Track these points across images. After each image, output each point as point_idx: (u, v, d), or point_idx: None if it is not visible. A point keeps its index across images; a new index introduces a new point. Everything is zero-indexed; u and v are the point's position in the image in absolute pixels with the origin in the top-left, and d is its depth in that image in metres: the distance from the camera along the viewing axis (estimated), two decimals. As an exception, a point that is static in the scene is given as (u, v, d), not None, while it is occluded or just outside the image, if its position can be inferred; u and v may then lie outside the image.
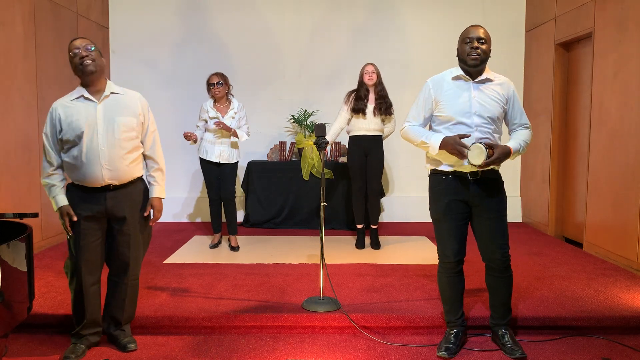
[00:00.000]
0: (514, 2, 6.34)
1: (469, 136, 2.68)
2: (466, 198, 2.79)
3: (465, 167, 2.73)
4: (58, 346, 2.95)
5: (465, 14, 6.26)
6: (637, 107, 4.19)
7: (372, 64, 4.82)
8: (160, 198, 2.96)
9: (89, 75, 2.70)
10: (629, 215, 4.25)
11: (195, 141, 4.63)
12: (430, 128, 2.89)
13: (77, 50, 2.69)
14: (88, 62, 2.67)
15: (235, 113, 4.71)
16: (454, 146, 2.65)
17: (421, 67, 6.29)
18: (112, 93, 2.79)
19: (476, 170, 2.72)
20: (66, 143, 2.72)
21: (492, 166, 2.73)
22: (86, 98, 2.74)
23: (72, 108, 2.73)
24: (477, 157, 2.61)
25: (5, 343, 2.63)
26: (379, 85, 4.80)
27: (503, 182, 2.89)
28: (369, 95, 4.79)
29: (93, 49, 2.72)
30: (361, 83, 4.81)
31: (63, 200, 2.75)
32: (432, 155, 2.82)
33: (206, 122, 4.69)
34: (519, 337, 3.06)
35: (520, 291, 3.58)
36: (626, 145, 4.32)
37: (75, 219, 2.74)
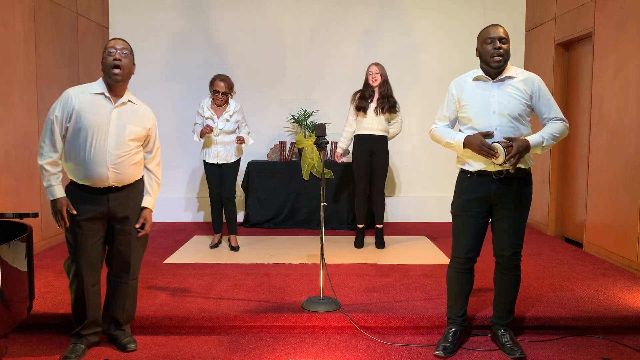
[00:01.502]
0: (514, 2, 6.34)
1: (492, 134, 2.68)
2: (488, 196, 2.78)
3: (489, 167, 2.73)
4: (58, 346, 2.95)
5: (466, 14, 6.27)
6: (637, 107, 4.19)
7: (376, 64, 4.82)
8: (151, 210, 2.98)
9: (114, 82, 2.74)
10: (629, 215, 4.25)
11: (211, 130, 4.59)
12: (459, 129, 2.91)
13: (112, 50, 2.72)
14: (117, 71, 2.70)
15: (231, 115, 4.68)
16: (480, 147, 2.64)
17: (421, 66, 6.29)
18: (129, 101, 2.83)
19: (501, 169, 2.70)
20: (73, 133, 2.69)
21: (520, 164, 2.69)
22: (107, 97, 2.76)
23: (89, 101, 2.73)
24: (499, 156, 2.61)
25: (5, 343, 2.63)
26: (384, 85, 4.80)
27: (531, 182, 2.84)
28: (374, 95, 4.80)
29: (127, 55, 2.75)
30: (366, 84, 4.83)
31: (61, 192, 2.72)
32: (461, 156, 2.83)
33: (203, 119, 4.70)
34: (519, 337, 3.06)
35: (520, 291, 3.56)
36: (626, 145, 4.32)
37: (74, 212, 2.73)
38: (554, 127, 2.73)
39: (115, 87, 2.77)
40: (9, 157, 4.36)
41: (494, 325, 2.98)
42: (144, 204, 2.95)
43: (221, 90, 4.60)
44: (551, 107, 2.77)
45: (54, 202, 2.72)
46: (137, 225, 2.91)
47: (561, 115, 2.78)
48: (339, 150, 5.03)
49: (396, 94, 4.95)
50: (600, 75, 4.71)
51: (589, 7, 4.91)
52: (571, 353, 2.90)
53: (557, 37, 5.50)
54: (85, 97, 2.74)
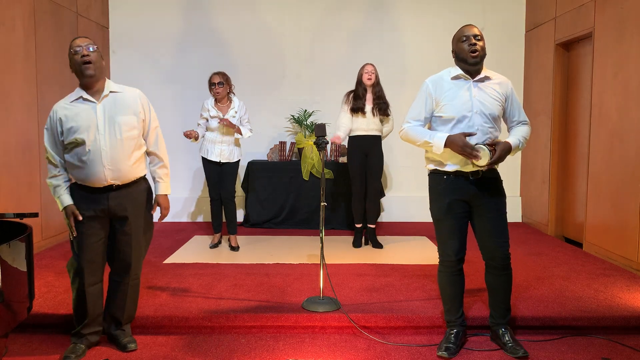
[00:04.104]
0: (514, 2, 6.34)
1: (474, 134, 2.69)
2: (466, 197, 2.79)
3: (467, 167, 2.73)
4: (58, 346, 2.95)
5: (465, 14, 6.26)
6: (637, 107, 4.19)
7: (371, 64, 4.83)
8: (166, 195, 3.00)
9: (88, 78, 2.71)
10: (629, 215, 4.25)
11: (196, 139, 4.63)
12: (430, 128, 2.89)
13: (78, 49, 2.69)
14: (88, 65, 2.68)
15: (236, 112, 4.71)
16: (463, 148, 2.64)
17: (421, 67, 6.29)
18: (111, 92, 2.79)
19: (477, 169, 2.72)
20: (69, 144, 2.72)
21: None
22: (85, 99, 2.74)
23: (71, 110, 2.73)
24: (481, 158, 2.62)
25: (5, 343, 2.63)
26: (377, 86, 4.81)
27: (502, 180, 2.89)
28: (367, 94, 4.80)
29: (94, 49, 2.71)
30: (359, 82, 4.82)
31: (68, 200, 2.75)
32: (433, 156, 2.81)
33: (207, 120, 4.71)
34: (519, 337, 3.06)
35: (520, 291, 3.58)
36: (626, 145, 4.32)
37: (80, 218, 2.74)
38: (524, 131, 2.87)
39: (92, 84, 2.73)
40: (9, 157, 4.36)
41: (494, 325, 2.97)
42: (157, 192, 2.97)
43: (216, 81, 4.63)
44: (521, 111, 2.90)
45: (64, 210, 2.77)
46: (152, 212, 2.95)
47: (527, 119, 2.93)
48: (341, 134, 4.75)
49: (394, 94, 4.95)
50: (600, 75, 4.71)
51: (589, 7, 4.91)
52: (571, 353, 2.90)
53: (557, 37, 5.50)
54: (67, 107, 2.74)
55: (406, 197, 6.41)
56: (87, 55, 2.67)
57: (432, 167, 2.87)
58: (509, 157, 2.79)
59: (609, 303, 3.39)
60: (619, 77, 4.44)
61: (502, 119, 2.88)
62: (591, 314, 3.22)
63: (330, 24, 6.35)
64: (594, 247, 4.75)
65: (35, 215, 2.63)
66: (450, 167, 2.78)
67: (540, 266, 4.28)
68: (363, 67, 4.82)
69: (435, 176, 2.87)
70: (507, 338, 2.89)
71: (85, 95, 2.73)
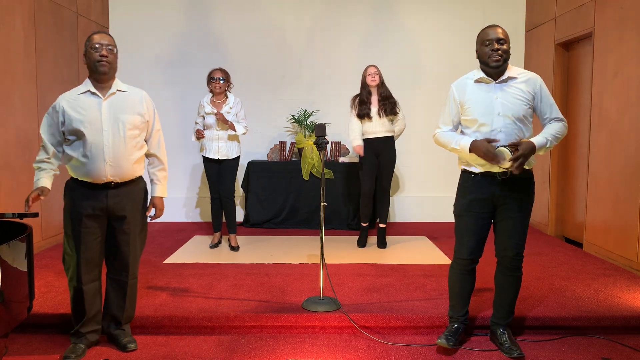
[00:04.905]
0: (514, 2, 6.34)
1: (497, 140, 2.66)
2: (491, 197, 2.78)
3: (494, 167, 2.72)
4: (58, 346, 2.96)
5: (466, 14, 6.27)
6: (637, 107, 4.19)
7: (374, 65, 4.83)
8: (162, 197, 3.00)
9: (100, 75, 2.75)
10: (629, 215, 4.25)
11: (202, 136, 4.66)
12: (462, 131, 2.89)
13: (97, 46, 2.72)
14: (103, 63, 2.72)
15: (231, 108, 4.71)
16: (486, 154, 2.63)
17: (421, 67, 6.29)
18: (118, 90, 2.82)
19: (505, 170, 2.70)
20: (70, 135, 2.72)
21: (524, 165, 2.69)
22: (92, 93, 2.76)
23: (77, 102, 2.74)
24: (506, 160, 2.61)
25: (5, 343, 2.63)
26: (382, 87, 4.81)
27: (534, 182, 2.85)
28: (372, 97, 4.79)
29: (112, 49, 2.76)
30: (364, 85, 4.82)
31: (44, 183, 2.75)
32: (464, 157, 2.83)
33: (203, 118, 4.71)
34: (519, 337, 3.07)
35: (520, 291, 3.55)
36: (626, 145, 4.32)
37: (42, 198, 2.72)
38: (555, 128, 2.75)
39: (102, 80, 2.76)
40: (9, 156, 4.36)
41: (493, 325, 2.98)
42: (153, 194, 2.98)
43: (217, 76, 4.63)
44: (552, 108, 2.80)
45: (37, 189, 2.72)
46: (147, 213, 2.95)
47: (561, 116, 2.81)
48: (360, 143, 4.77)
49: (397, 95, 4.94)
50: (600, 75, 4.71)
51: (589, 7, 4.91)
52: (571, 353, 2.90)
53: (557, 37, 5.50)
54: (73, 99, 2.75)
55: (407, 197, 6.40)
56: (106, 56, 2.72)
57: (463, 166, 2.88)
58: (539, 153, 2.73)
59: (609, 303, 3.39)
60: (619, 77, 4.44)
61: (531, 119, 2.80)
62: (591, 314, 3.22)
63: (331, 24, 6.35)
64: (594, 247, 4.75)
65: (35, 215, 2.62)
66: (477, 168, 2.78)
67: (540, 266, 4.28)
68: (366, 69, 4.82)
69: (464, 175, 2.88)
70: (504, 339, 2.89)
71: (93, 90, 2.76)
